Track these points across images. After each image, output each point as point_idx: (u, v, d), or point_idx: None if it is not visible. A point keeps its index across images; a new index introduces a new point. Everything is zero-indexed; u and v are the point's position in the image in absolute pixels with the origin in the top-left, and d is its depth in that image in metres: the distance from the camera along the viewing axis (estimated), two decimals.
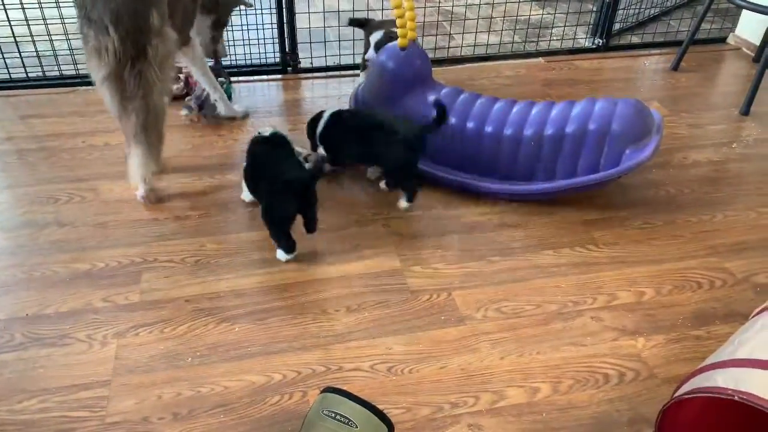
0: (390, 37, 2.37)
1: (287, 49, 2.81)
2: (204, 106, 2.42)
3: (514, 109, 2.06)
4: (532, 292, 1.71)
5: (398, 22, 2.06)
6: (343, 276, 1.75)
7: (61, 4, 2.68)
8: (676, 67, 2.97)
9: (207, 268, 1.77)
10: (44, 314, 1.62)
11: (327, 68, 2.86)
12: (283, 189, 1.71)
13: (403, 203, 2.00)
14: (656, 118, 2.05)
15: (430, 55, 2.67)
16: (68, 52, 2.68)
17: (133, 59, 1.77)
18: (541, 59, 3.03)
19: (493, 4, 3.25)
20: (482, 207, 2.03)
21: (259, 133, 1.92)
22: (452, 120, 2.05)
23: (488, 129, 2.03)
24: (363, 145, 2.00)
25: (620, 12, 3.16)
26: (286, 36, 2.78)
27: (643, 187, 2.14)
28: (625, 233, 1.93)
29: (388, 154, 1.95)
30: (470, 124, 2.04)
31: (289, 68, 2.84)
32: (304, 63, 2.86)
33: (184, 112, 2.43)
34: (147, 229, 1.91)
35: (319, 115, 2.15)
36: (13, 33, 2.57)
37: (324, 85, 2.77)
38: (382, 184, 2.10)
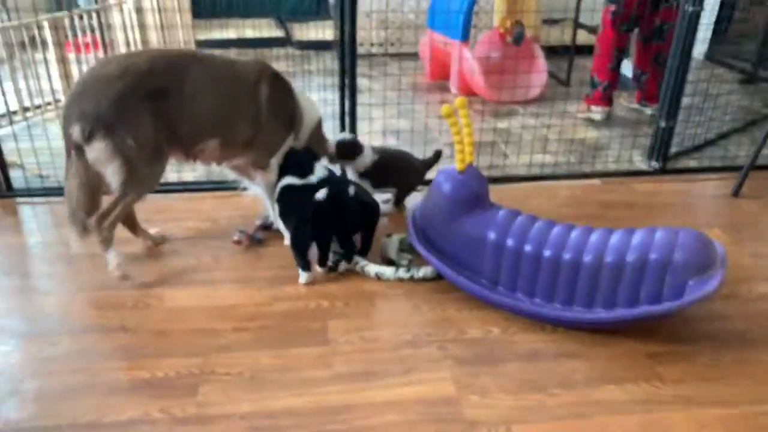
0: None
1: None
2: (264, 229, 2.53)
3: (573, 234, 2.08)
4: (594, 430, 1.66)
5: (456, 146, 2.16)
6: (396, 401, 1.74)
7: None
8: (736, 193, 2.97)
9: (262, 383, 1.79)
10: (103, 423, 1.66)
11: None
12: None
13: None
14: (719, 250, 2.04)
15: (485, 172, 2.76)
16: None
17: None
18: (597, 180, 3.09)
19: (549, 125, 3.37)
20: (541, 333, 2.02)
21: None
22: (509, 242, 2.09)
23: (546, 253, 2.05)
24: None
25: (677, 135, 3.22)
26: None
27: (708, 319, 2.10)
28: (691, 369, 1.87)
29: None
30: (528, 248, 2.07)
31: None
32: None
33: (235, 237, 2.49)
34: (206, 340, 1.96)
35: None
36: None
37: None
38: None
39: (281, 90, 2.35)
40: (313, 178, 2.31)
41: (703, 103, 3.56)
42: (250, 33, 5.49)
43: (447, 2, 4.08)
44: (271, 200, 2.46)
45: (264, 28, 5.80)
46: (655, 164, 3.19)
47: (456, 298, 2.17)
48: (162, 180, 2.81)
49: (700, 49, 3.90)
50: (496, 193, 2.82)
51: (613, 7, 3.66)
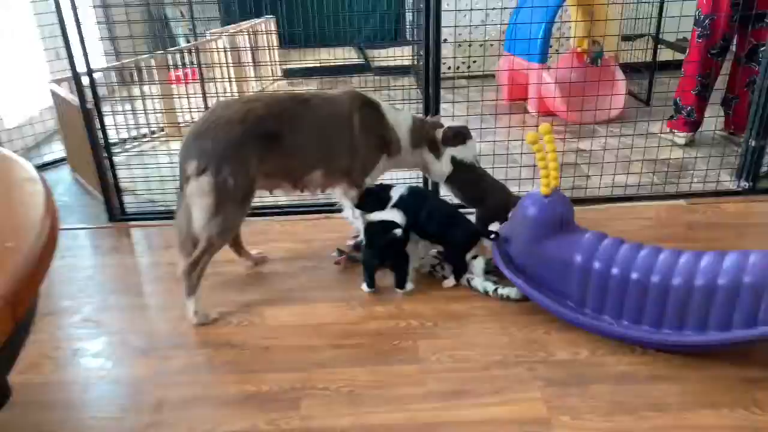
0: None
1: None
2: (356, 249, 2.63)
3: (661, 257, 2.06)
4: None
5: (542, 171, 2.19)
6: (488, 420, 1.78)
7: None
8: None
9: (360, 399, 1.87)
10: None
11: None
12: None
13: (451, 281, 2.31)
14: None
15: (567, 193, 2.76)
16: None
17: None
18: (682, 201, 3.02)
19: (632, 147, 3.32)
20: (630, 355, 2.01)
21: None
22: (596, 265, 2.09)
23: (634, 276, 2.03)
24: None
25: None
26: None
27: None
28: None
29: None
30: (615, 271, 2.07)
31: None
32: None
33: (335, 255, 2.61)
34: (306, 356, 2.07)
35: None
36: None
37: None
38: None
39: (371, 116, 2.47)
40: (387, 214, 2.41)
41: None
42: (332, 59, 5.69)
43: (526, 28, 4.11)
44: (354, 213, 2.56)
45: (345, 55, 5.99)
46: (744, 184, 3.08)
47: (543, 320, 2.19)
48: (260, 204, 3.00)
49: None
50: (579, 214, 2.80)
51: (698, 30, 3.55)
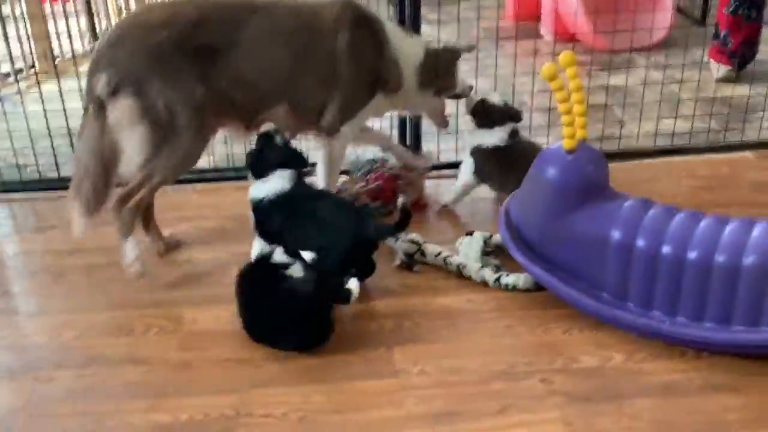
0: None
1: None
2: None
3: (727, 229, 2.09)
4: None
5: (564, 118, 2.21)
6: None
7: None
8: None
9: (314, 427, 1.89)
10: None
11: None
12: None
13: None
14: None
15: (596, 146, 2.78)
16: None
17: None
18: (748, 153, 3.09)
19: (681, 80, 3.36)
20: (678, 361, 2.05)
21: None
22: (641, 243, 2.11)
23: (692, 255, 2.06)
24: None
25: None
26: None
27: None
28: None
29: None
30: (666, 249, 2.09)
31: None
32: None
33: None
34: (240, 372, 2.07)
35: None
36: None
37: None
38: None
39: (365, 37, 2.46)
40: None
41: None
42: None
43: None
44: (328, 178, 2.59)
45: None
46: None
47: (562, 315, 2.22)
48: None
49: None
50: (612, 173, 2.85)
51: None
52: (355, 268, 2.24)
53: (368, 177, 2.77)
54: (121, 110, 2.21)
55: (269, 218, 2.34)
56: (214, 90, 2.29)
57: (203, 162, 3.07)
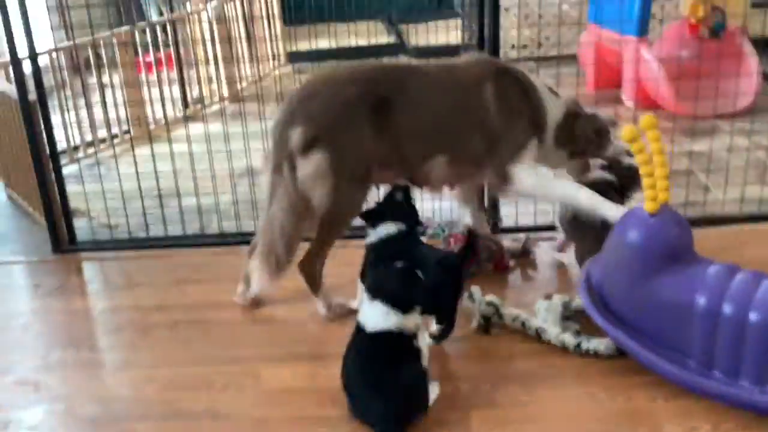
0: None
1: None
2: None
3: None
4: None
5: (645, 181, 2.18)
6: None
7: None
8: None
9: None
10: None
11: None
12: None
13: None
14: None
15: (679, 212, 2.73)
16: (231, 206, 3.13)
17: None
18: None
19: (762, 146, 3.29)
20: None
21: None
22: (727, 309, 2.05)
23: None
24: None
25: None
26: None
27: None
28: None
29: None
30: (754, 316, 2.02)
31: None
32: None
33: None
34: (316, 430, 2.06)
35: None
36: (176, 186, 3.06)
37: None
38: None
39: (511, 86, 2.56)
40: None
41: None
42: (353, 40, 5.78)
43: None
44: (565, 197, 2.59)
45: (371, 34, 6.08)
46: None
47: (646, 383, 2.15)
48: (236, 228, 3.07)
49: None
50: (696, 239, 2.79)
51: None
52: (439, 309, 2.28)
53: (450, 239, 2.79)
54: (316, 164, 2.32)
55: (367, 258, 2.43)
56: (387, 142, 2.42)
57: None
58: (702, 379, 2.07)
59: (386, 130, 2.40)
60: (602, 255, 2.40)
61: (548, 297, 2.45)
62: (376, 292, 2.06)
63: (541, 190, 2.59)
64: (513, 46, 5.57)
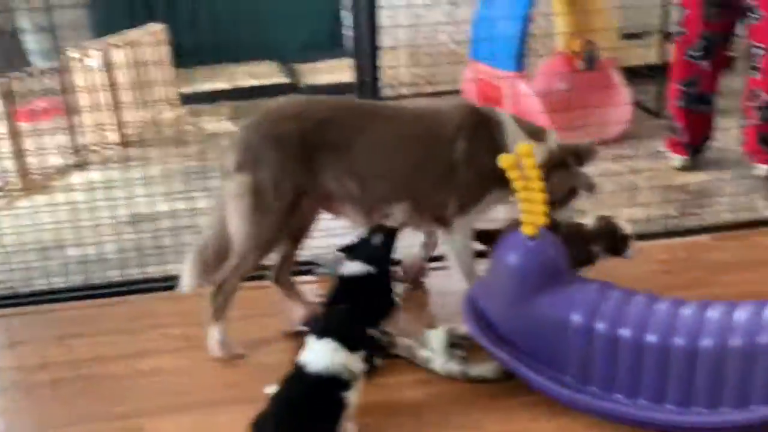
0: None
1: None
2: None
3: (684, 312, 2.12)
4: None
5: (523, 206, 2.24)
6: None
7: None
8: None
9: None
10: None
11: None
12: None
13: None
14: None
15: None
16: (119, 254, 3.06)
17: None
18: (705, 236, 3.13)
19: (639, 170, 3.43)
20: None
21: None
22: (600, 326, 2.12)
23: (651, 339, 2.07)
24: None
25: None
26: None
27: None
28: None
29: None
30: (625, 332, 2.10)
31: None
32: None
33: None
34: None
35: None
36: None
37: None
38: None
39: (485, 143, 2.49)
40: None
41: None
42: (247, 80, 5.79)
43: (493, 26, 4.26)
44: (462, 273, 2.60)
45: (266, 74, 6.09)
46: None
47: (527, 403, 2.19)
48: (142, 275, 2.98)
49: None
50: None
51: (677, 26, 3.77)
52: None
53: None
54: (238, 183, 2.41)
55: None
56: (335, 181, 2.46)
57: (173, 267, 3.09)
58: (578, 394, 2.12)
59: (338, 171, 2.43)
60: (485, 278, 2.45)
61: (433, 327, 2.47)
62: (327, 329, 2.07)
63: (458, 253, 2.60)
64: (402, 84, 5.65)
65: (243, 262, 2.46)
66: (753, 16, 3.43)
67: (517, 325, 2.27)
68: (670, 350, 2.05)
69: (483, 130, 2.51)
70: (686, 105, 3.81)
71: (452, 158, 2.48)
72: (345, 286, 2.43)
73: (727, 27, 3.55)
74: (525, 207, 2.23)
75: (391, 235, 2.48)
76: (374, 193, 2.49)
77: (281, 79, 6.07)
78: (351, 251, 2.48)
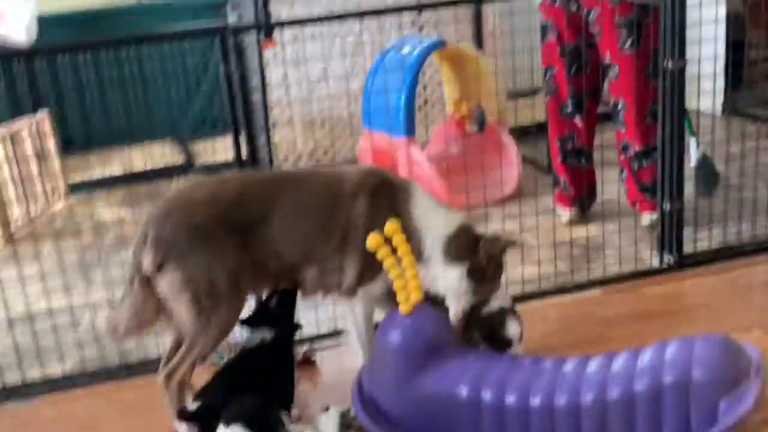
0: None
1: None
2: None
3: (566, 369, 2.13)
4: None
5: (396, 284, 2.23)
6: None
7: None
8: None
9: None
10: None
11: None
12: None
13: None
14: (752, 354, 2.09)
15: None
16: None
17: None
18: (596, 291, 3.17)
19: (529, 228, 3.46)
20: None
21: None
22: (487, 396, 2.11)
23: (536, 402, 2.07)
24: None
25: (702, 216, 3.39)
26: None
27: None
28: None
29: None
30: (511, 399, 2.09)
31: None
32: None
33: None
34: None
35: None
36: None
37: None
38: None
39: (384, 204, 2.44)
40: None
41: (725, 169, 3.72)
42: (140, 163, 5.68)
43: (382, 98, 4.30)
44: (360, 343, 2.54)
45: (162, 155, 6.00)
46: (668, 258, 3.28)
47: None
48: (21, 380, 2.83)
49: (708, 103, 4.05)
50: None
51: (545, 86, 3.91)
52: None
53: None
54: (170, 282, 2.32)
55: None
56: (252, 259, 2.40)
57: (56, 369, 2.95)
58: None
59: (250, 248, 2.39)
60: (370, 361, 2.41)
61: (326, 409, 2.41)
62: (236, 416, 2.03)
63: (359, 318, 2.55)
64: (298, 157, 5.66)
65: (193, 351, 2.38)
66: (612, 72, 3.57)
67: (406, 407, 2.24)
68: (554, 411, 2.05)
69: (384, 193, 2.48)
70: (565, 160, 3.91)
71: (350, 219, 2.43)
72: (247, 357, 2.39)
73: (593, 82, 3.66)
74: (398, 285, 2.22)
75: (290, 295, 2.46)
76: (285, 262, 2.45)
77: (176, 159, 6.00)
78: (253, 320, 2.43)
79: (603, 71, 3.65)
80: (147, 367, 2.79)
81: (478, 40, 5.36)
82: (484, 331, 2.51)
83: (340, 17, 4.12)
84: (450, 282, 2.46)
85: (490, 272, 2.47)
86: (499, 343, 2.49)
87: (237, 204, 2.40)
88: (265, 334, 2.39)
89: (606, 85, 3.72)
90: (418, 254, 2.43)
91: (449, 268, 2.45)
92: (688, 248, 3.33)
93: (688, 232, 3.34)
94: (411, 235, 2.41)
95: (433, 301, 2.51)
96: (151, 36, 3.65)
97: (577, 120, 3.81)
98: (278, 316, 2.43)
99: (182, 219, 2.35)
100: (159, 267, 2.31)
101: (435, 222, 2.47)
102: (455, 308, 2.48)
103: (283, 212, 2.42)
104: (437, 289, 2.50)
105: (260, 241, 2.41)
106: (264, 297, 2.53)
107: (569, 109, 3.81)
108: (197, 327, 2.35)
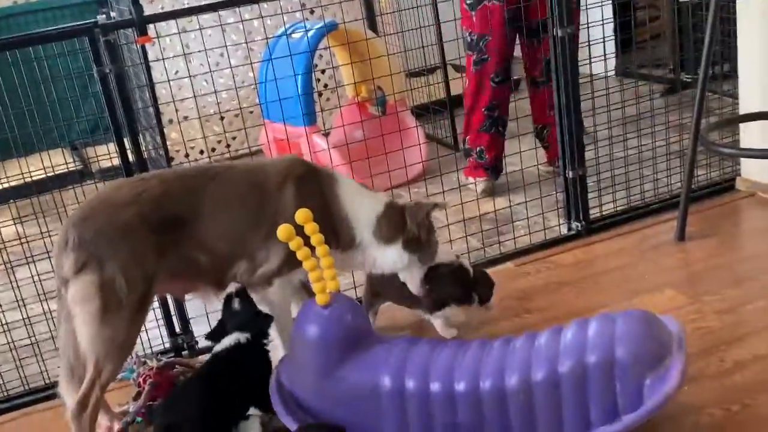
0: None
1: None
2: None
3: (489, 352, 2.09)
4: None
5: (311, 275, 2.15)
6: None
7: None
8: (681, 237, 3.11)
9: None
10: None
11: None
12: None
13: None
14: (673, 328, 2.09)
15: (351, 293, 2.78)
16: None
17: None
18: (509, 264, 3.17)
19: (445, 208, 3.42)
20: None
21: None
22: (410, 385, 2.06)
23: (460, 387, 2.03)
24: None
25: (604, 179, 3.40)
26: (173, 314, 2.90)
27: (678, 416, 2.10)
28: None
29: None
30: (435, 386, 2.05)
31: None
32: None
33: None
34: None
35: None
36: None
37: None
38: None
39: (312, 192, 2.40)
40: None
41: (623, 131, 3.76)
42: (36, 173, 5.41)
43: (278, 89, 4.17)
44: (281, 335, 2.46)
45: (58, 162, 5.72)
46: (576, 225, 3.31)
47: None
48: None
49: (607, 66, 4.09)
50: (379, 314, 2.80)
51: (473, 56, 3.87)
52: None
53: (138, 380, 2.56)
54: (82, 286, 2.22)
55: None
56: (181, 257, 2.34)
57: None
58: None
59: (180, 247, 2.33)
60: (289, 355, 2.34)
61: (246, 417, 2.32)
62: None
63: (277, 309, 2.47)
64: (202, 152, 5.49)
65: (103, 372, 2.24)
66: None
67: (327, 398, 2.17)
68: (480, 396, 2.01)
69: (311, 181, 2.45)
70: (488, 129, 3.93)
71: (279, 208, 2.38)
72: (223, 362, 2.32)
73: (512, 50, 3.74)
74: (313, 276, 2.14)
75: (245, 292, 2.40)
76: (216, 256, 2.38)
77: (72, 166, 5.73)
78: (220, 330, 2.37)
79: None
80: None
81: (371, 20, 5.29)
82: (455, 288, 2.57)
83: (212, 7, 3.77)
84: (392, 261, 2.48)
85: (424, 238, 2.48)
86: (478, 295, 2.58)
87: (162, 201, 2.32)
88: (239, 338, 2.32)
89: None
90: (350, 240, 2.45)
91: (386, 248, 2.47)
92: (594, 214, 3.36)
93: (593, 198, 3.36)
94: (342, 221, 2.44)
95: (383, 282, 2.61)
96: (13, 41, 3.34)
97: (504, 88, 3.87)
98: (248, 315, 2.37)
99: (105, 219, 2.26)
100: (79, 270, 2.22)
101: (363, 206, 2.48)
102: (412, 282, 2.52)
103: (210, 206, 2.36)
104: (382, 270, 2.53)
105: (189, 237, 2.34)
106: (222, 306, 2.43)
107: (500, 77, 3.83)
108: (99, 343, 2.23)
